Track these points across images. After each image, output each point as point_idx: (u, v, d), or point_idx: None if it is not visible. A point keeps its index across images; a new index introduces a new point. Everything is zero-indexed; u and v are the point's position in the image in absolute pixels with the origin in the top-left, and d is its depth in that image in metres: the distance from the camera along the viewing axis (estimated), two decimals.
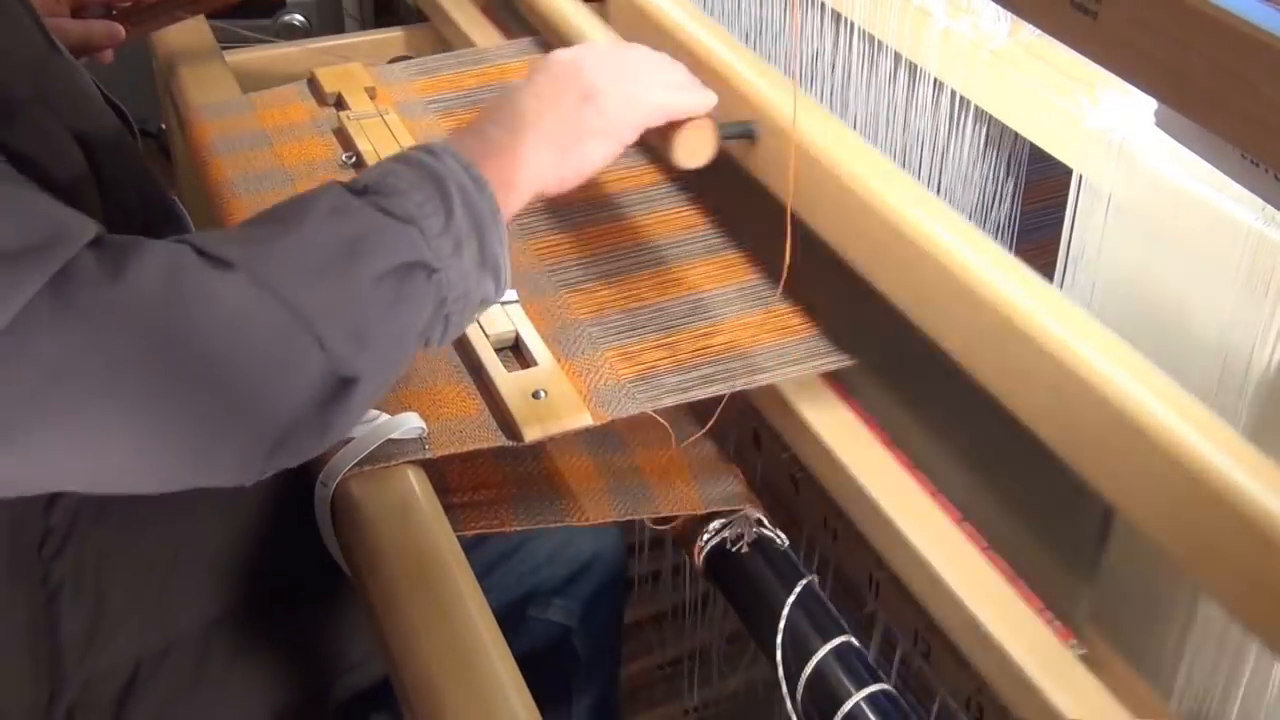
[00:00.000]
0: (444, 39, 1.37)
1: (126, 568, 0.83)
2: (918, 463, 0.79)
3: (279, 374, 0.60)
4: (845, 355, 0.83)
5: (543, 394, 0.80)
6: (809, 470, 0.85)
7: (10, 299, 0.53)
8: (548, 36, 1.01)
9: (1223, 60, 0.48)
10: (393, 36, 1.40)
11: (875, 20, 0.86)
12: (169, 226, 0.83)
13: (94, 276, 0.56)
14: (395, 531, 0.72)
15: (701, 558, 0.83)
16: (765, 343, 0.85)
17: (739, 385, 0.82)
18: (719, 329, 0.86)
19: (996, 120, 0.81)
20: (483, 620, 0.68)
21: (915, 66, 0.84)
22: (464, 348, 0.86)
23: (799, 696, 0.75)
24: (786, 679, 0.76)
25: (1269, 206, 0.58)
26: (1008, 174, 0.86)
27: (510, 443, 0.78)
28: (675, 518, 0.87)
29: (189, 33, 1.25)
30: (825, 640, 0.76)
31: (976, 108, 0.81)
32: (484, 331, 0.86)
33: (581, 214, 0.98)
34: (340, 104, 1.12)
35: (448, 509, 0.76)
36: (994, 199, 0.88)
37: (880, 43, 0.86)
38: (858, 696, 0.73)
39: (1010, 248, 0.89)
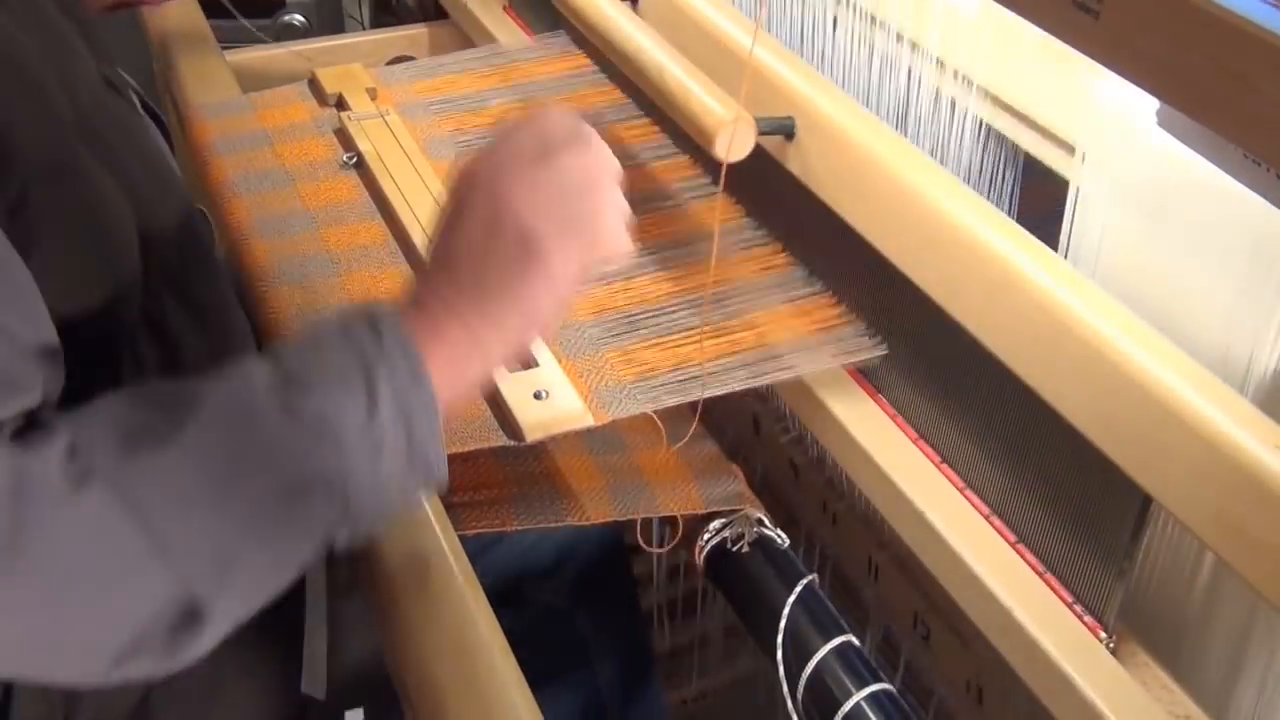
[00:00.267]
0: (445, 39, 1.38)
1: None
2: (945, 459, 0.79)
3: (121, 598, 0.56)
4: (844, 356, 0.84)
5: (544, 394, 0.80)
6: (819, 459, 0.85)
7: None
8: (579, 28, 1.02)
9: (1224, 59, 0.49)
10: (392, 37, 1.40)
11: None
12: (193, 245, 0.78)
13: None
14: (396, 531, 0.72)
15: (702, 557, 0.83)
16: (772, 341, 0.85)
17: (737, 385, 0.82)
18: (722, 328, 0.86)
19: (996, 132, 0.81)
20: (484, 619, 0.68)
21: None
22: None
23: (799, 696, 0.75)
24: (787, 679, 0.76)
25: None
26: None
27: (512, 443, 0.78)
28: (675, 519, 0.87)
29: (189, 32, 1.26)
30: (826, 640, 0.76)
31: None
32: None
33: None
34: (341, 104, 1.12)
35: (448, 508, 0.76)
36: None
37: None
38: (858, 696, 0.73)
39: None
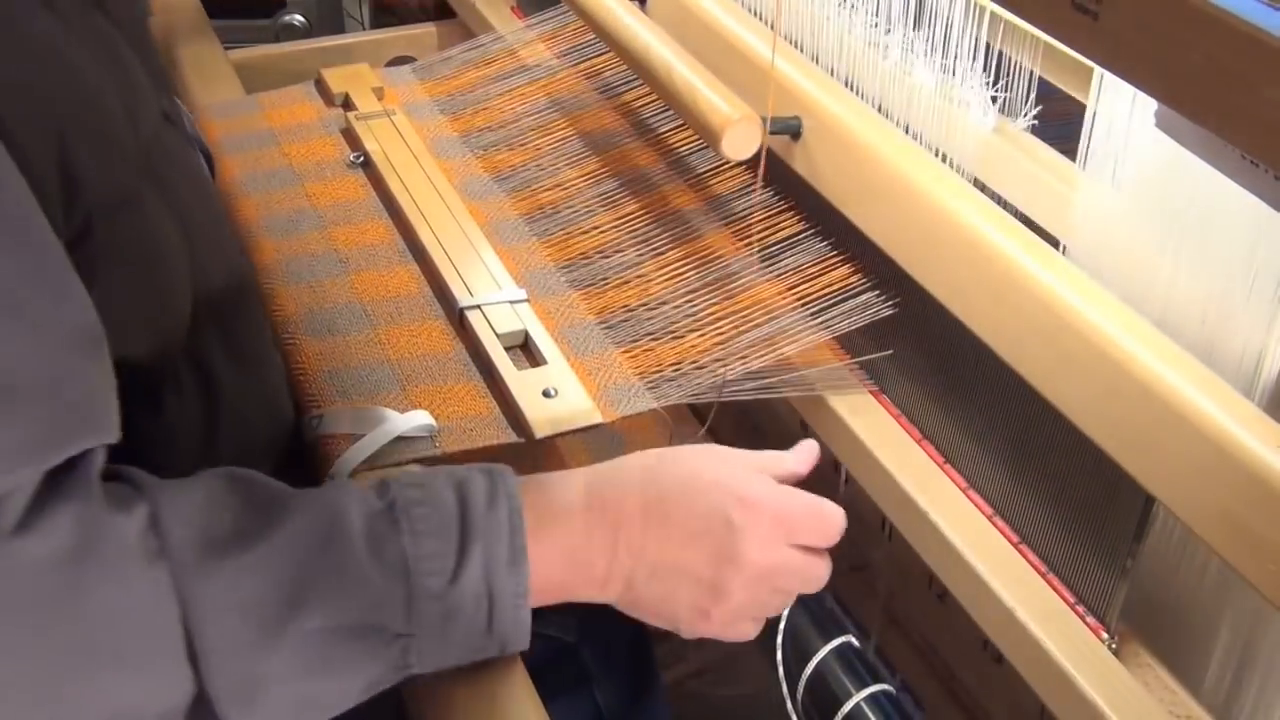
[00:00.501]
0: (446, 39, 1.38)
1: None
2: (949, 459, 0.79)
3: (142, 687, 0.54)
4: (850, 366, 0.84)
5: (553, 392, 0.81)
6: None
7: None
8: (587, 25, 1.02)
9: (1223, 60, 0.48)
10: (393, 36, 1.41)
11: None
12: (237, 283, 0.76)
13: (13, 515, 0.50)
14: None
15: None
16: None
17: (747, 391, 0.82)
18: (730, 328, 0.86)
19: None
20: None
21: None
22: (474, 346, 0.86)
23: (799, 696, 0.75)
24: (786, 679, 0.76)
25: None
26: None
27: (521, 440, 0.78)
28: None
29: (191, 32, 1.26)
30: (825, 640, 0.76)
31: None
32: (493, 330, 0.86)
33: (590, 213, 0.98)
34: (348, 104, 1.12)
35: None
36: None
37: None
38: (858, 696, 0.73)
39: None
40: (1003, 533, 0.75)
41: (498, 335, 0.86)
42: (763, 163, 0.83)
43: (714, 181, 0.98)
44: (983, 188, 0.78)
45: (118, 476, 0.56)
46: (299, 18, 1.35)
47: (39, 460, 0.51)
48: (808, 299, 0.85)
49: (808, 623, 0.77)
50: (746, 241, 0.88)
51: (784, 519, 0.64)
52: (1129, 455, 0.63)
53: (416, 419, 0.78)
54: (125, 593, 0.53)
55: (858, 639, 0.77)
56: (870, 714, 0.72)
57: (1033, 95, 0.78)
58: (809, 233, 0.89)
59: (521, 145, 1.07)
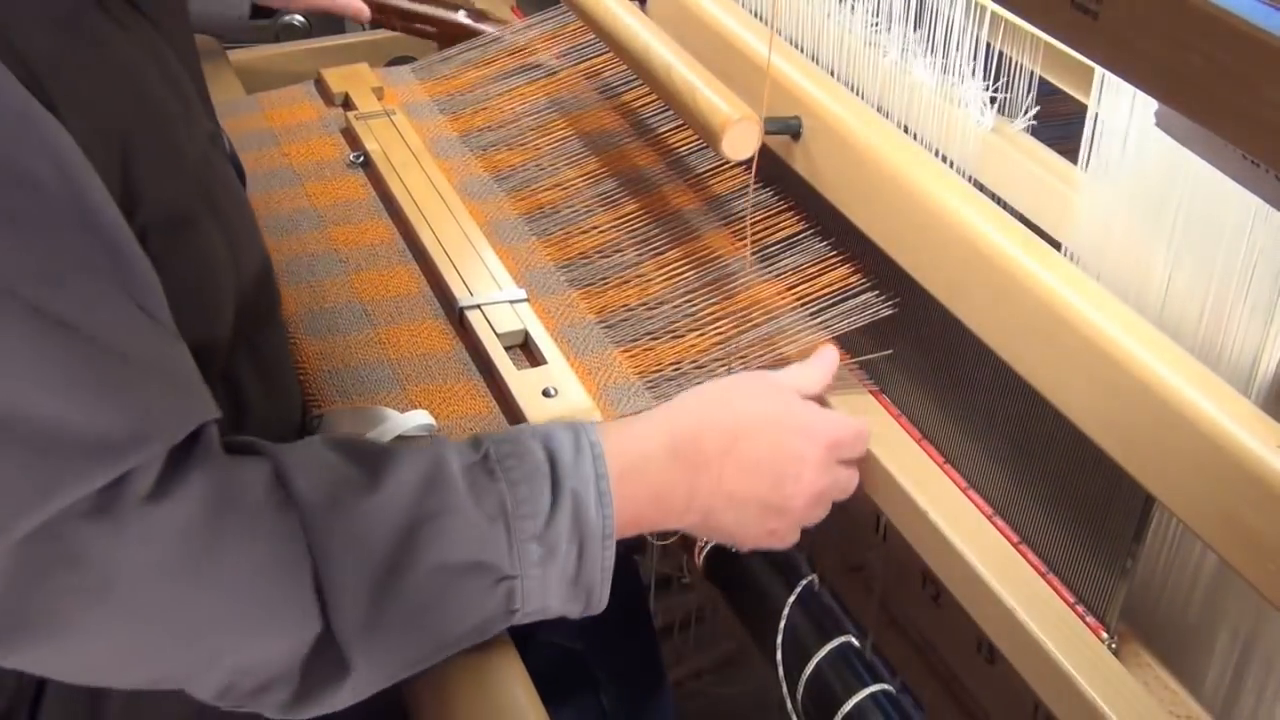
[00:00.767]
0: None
1: None
2: (949, 459, 0.79)
3: (275, 628, 0.58)
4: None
5: (553, 391, 0.81)
6: None
7: (68, 490, 0.52)
8: (587, 25, 1.02)
9: (1223, 60, 0.48)
10: (393, 37, 1.40)
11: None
12: (266, 302, 0.78)
13: (143, 489, 0.54)
14: None
15: (701, 558, 0.83)
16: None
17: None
18: (730, 327, 0.86)
19: None
20: (503, 652, 0.68)
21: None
22: (473, 346, 0.86)
23: (799, 696, 0.75)
24: (786, 680, 0.76)
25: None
26: None
27: None
28: None
29: None
30: (825, 640, 0.76)
31: None
32: (493, 329, 0.86)
33: (590, 213, 0.98)
34: (347, 104, 1.12)
35: None
36: None
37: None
38: (858, 696, 0.73)
39: None
40: (1003, 533, 0.75)
41: (497, 335, 0.86)
42: (754, 163, 0.83)
43: (714, 181, 0.98)
44: (982, 188, 0.78)
45: (233, 445, 0.60)
46: (299, 18, 1.35)
47: (166, 437, 0.55)
48: (807, 299, 0.85)
49: (807, 623, 0.77)
50: (745, 241, 0.88)
51: (836, 444, 0.74)
52: (1129, 455, 0.63)
53: (416, 418, 0.78)
54: (261, 542, 0.57)
55: (857, 639, 0.77)
56: (870, 714, 0.72)
57: (1033, 95, 0.78)
58: (809, 233, 0.89)
59: (521, 145, 1.07)
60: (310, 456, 0.61)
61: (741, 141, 0.82)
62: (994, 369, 0.72)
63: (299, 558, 0.57)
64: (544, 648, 0.93)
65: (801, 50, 0.92)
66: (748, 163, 0.84)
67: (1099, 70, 0.66)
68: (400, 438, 0.77)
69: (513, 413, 0.80)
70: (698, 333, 0.85)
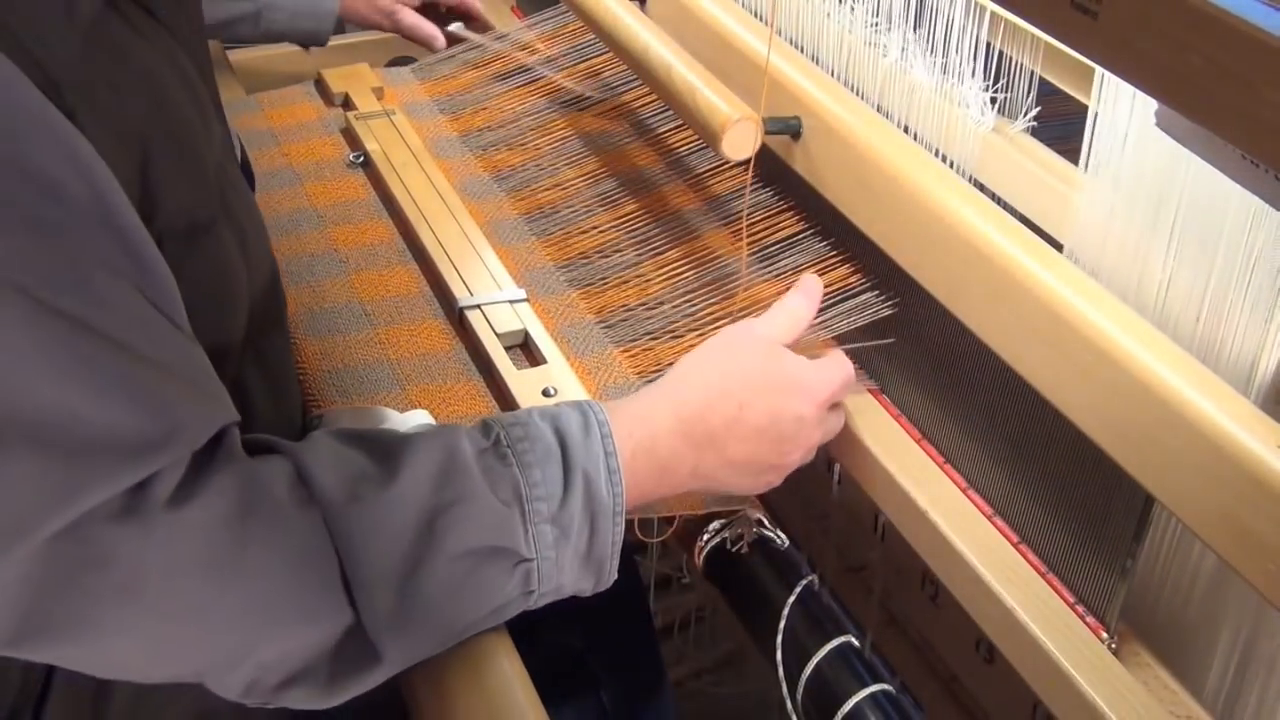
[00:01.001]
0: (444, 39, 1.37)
1: None
2: (949, 459, 0.79)
3: (305, 621, 0.59)
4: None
5: (553, 391, 0.81)
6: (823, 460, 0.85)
7: (95, 491, 0.53)
8: (586, 25, 1.02)
9: (1223, 60, 0.48)
10: (392, 37, 1.40)
11: None
12: (274, 309, 0.78)
13: (167, 491, 0.55)
14: None
15: (701, 558, 0.83)
16: None
17: None
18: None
19: None
20: (504, 651, 0.68)
21: None
22: (473, 346, 0.86)
23: (799, 696, 0.75)
24: (786, 679, 0.76)
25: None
26: None
27: None
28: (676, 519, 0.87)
29: None
30: (825, 640, 0.76)
31: None
32: (493, 329, 0.86)
33: (590, 213, 0.98)
34: (348, 104, 1.12)
35: None
36: None
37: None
38: (858, 696, 0.73)
39: None
40: (1003, 533, 0.75)
41: (497, 335, 0.86)
42: (750, 164, 0.83)
43: (713, 181, 0.98)
44: (982, 188, 0.78)
45: (252, 444, 0.61)
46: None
47: (191, 440, 0.56)
48: None
49: (807, 623, 0.77)
50: (745, 241, 0.88)
51: (829, 396, 0.75)
52: (1129, 455, 0.63)
53: (416, 418, 0.78)
54: (286, 539, 0.58)
55: (857, 639, 0.77)
56: (870, 714, 0.72)
57: (1033, 95, 0.78)
58: (808, 233, 0.89)
59: (521, 145, 1.07)
60: (328, 452, 0.62)
61: (741, 141, 0.82)
62: (994, 369, 0.72)
63: (325, 553, 0.58)
64: (544, 647, 0.93)
65: (801, 50, 0.92)
66: (747, 163, 0.84)
67: (1099, 70, 0.66)
68: None
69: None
70: (697, 333, 0.85)
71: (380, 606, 0.59)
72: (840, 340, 0.83)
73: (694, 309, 0.88)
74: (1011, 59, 0.77)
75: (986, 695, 0.86)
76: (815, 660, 0.75)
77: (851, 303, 0.83)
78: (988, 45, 0.77)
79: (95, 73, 0.57)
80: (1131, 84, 0.57)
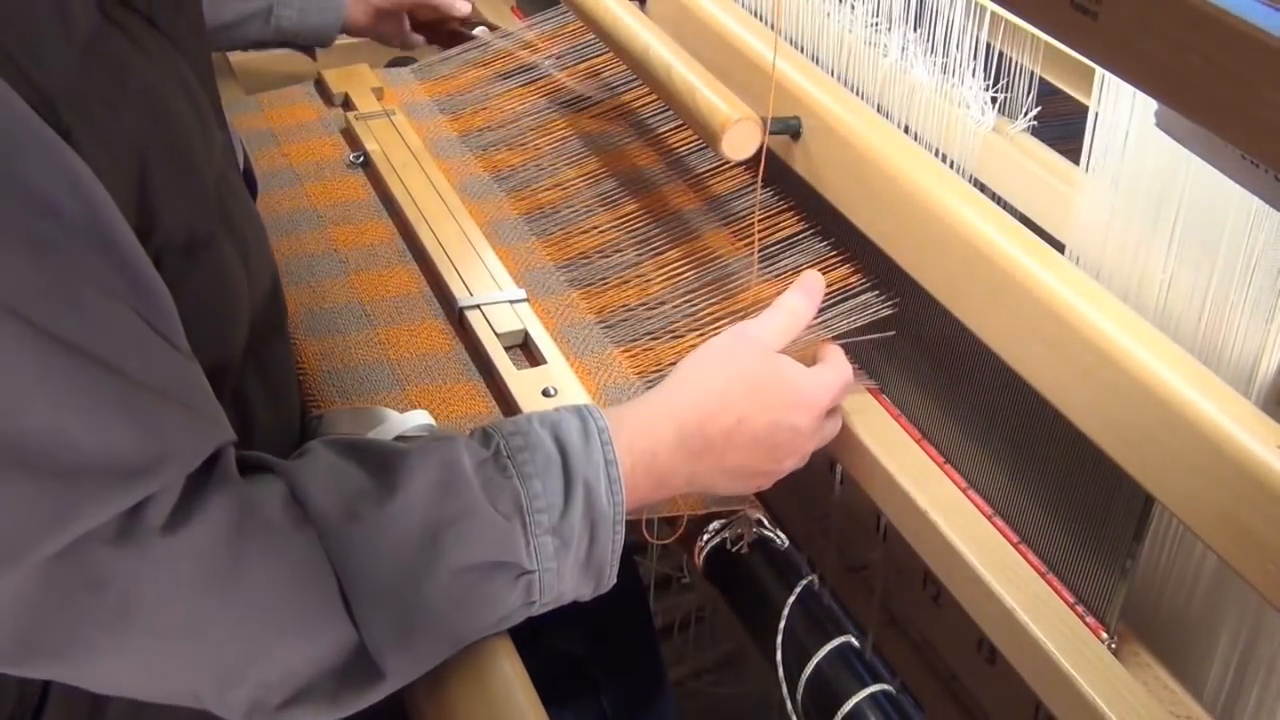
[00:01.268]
0: None
1: None
2: (949, 459, 0.79)
3: (305, 640, 0.59)
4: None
5: (553, 391, 0.81)
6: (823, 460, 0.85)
7: (88, 515, 0.53)
8: (587, 26, 1.02)
9: (1223, 61, 0.48)
10: None
11: None
12: (275, 318, 0.78)
13: (162, 514, 0.55)
14: None
15: (701, 558, 0.83)
16: None
17: None
18: (730, 327, 0.86)
19: None
20: (505, 654, 0.68)
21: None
22: (473, 346, 0.86)
23: (799, 696, 0.75)
24: (786, 680, 0.76)
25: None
26: None
27: None
28: (678, 519, 0.87)
29: None
30: (825, 640, 0.76)
31: None
32: (493, 329, 0.86)
33: (590, 213, 0.98)
34: (347, 104, 1.12)
35: None
36: None
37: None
38: (858, 697, 0.73)
39: None
40: (1003, 533, 0.75)
41: (497, 335, 0.86)
42: (763, 163, 0.83)
43: (713, 182, 0.98)
44: (982, 188, 0.78)
45: (245, 462, 0.61)
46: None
47: (184, 463, 0.55)
48: None
49: (807, 623, 0.77)
50: (746, 241, 0.88)
51: (826, 405, 0.75)
52: (1129, 455, 0.63)
53: (416, 418, 0.78)
54: (282, 560, 0.58)
55: (857, 639, 0.77)
56: (870, 714, 0.72)
57: (1033, 95, 0.78)
58: (809, 233, 0.89)
59: (521, 145, 1.07)
60: (324, 468, 0.62)
61: (741, 142, 0.82)
62: (994, 369, 0.72)
63: (322, 573, 0.58)
64: (544, 649, 0.93)
65: (801, 50, 0.92)
66: (748, 163, 0.84)
67: (1099, 70, 0.66)
68: (400, 438, 0.76)
69: (512, 413, 0.80)
70: (697, 333, 0.85)
71: (381, 623, 0.59)
72: (839, 339, 0.83)
73: (694, 309, 0.87)
74: (1011, 59, 0.77)
75: (988, 696, 0.86)
76: (815, 660, 0.75)
77: (851, 303, 0.83)
78: (988, 45, 0.77)
79: (92, 89, 0.57)
80: (1131, 84, 0.57)
